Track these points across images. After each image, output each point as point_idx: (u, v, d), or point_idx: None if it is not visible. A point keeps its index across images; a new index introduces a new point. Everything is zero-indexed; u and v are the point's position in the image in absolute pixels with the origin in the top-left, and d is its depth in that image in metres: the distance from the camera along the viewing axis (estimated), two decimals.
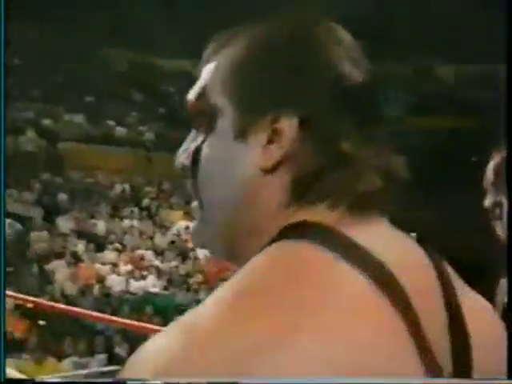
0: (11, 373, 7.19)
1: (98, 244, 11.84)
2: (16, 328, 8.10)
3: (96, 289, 10.38)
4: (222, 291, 0.58)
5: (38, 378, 1.30)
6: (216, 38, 0.71)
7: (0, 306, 0.93)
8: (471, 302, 0.70)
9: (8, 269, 11.81)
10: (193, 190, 0.70)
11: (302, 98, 0.65)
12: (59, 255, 11.36)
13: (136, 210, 13.57)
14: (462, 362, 0.64)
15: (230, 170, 0.66)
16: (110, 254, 11.72)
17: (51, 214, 12.91)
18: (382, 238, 0.64)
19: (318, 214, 0.63)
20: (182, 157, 0.71)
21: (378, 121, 0.68)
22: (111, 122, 17.41)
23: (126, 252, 11.79)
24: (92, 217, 12.95)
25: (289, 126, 0.64)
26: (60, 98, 17.42)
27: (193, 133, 0.71)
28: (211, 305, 0.57)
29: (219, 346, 0.53)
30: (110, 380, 0.67)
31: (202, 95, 0.69)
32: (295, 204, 0.65)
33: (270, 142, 0.65)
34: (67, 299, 9.89)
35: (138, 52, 20.57)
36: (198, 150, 0.69)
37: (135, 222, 12.99)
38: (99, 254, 11.55)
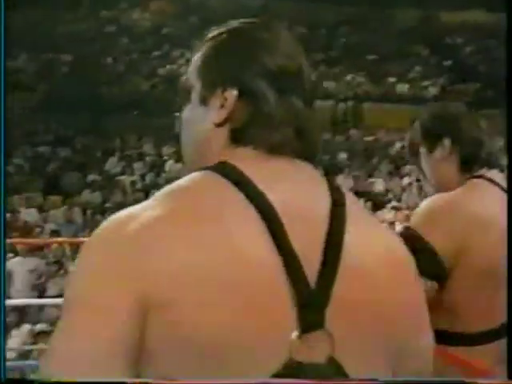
0: None
1: (376, 203, 11.69)
2: None
3: None
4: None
5: (38, 379, 1.18)
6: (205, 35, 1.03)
7: (0, 306, 0.99)
8: (366, 233, 0.91)
9: None
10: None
11: (240, 77, 0.95)
12: None
13: (415, 167, 13.09)
14: (325, 282, 0.84)
15: (196, 124, 0.99)
16: (388, 213, 11.49)
17: (330, 173, 13.06)
18: (288, 177, 0.92)
19: (243, 153, 0.93)
20: (176, 125, 1.05)
21: (297, 93, 0.95)
22: (392, 79, 17.12)
23: (402, 210, 11.45)
24: (370, 175, 12.83)
25: (231, 95, 0.95)
26: (341, 60, 17.56)
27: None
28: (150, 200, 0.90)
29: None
30: (111, 380, 0.81)
31: (187, 78, 1.01)
32: (231, 147, 0.95)
33: (221, 106, 0.95)
34: None
35: (421, 8, 19.82)
36: (180, 116, 1.03)
37: (414, 180, 12.56)
38: (378, 213, 11.39)
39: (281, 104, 0.94)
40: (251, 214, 0.86)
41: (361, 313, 0.85)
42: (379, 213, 11.44)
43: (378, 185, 12.48)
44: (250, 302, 0.81)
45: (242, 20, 1.02)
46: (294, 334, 0.81)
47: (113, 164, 13.53)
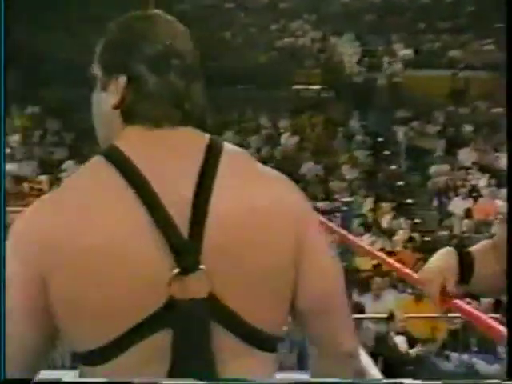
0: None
1: (500, 179, 10.99)
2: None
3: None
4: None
5: (38, 379, 1.23)
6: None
7: (0, 305, 1.00)
8: (239, 179, 1.05)
9: (408, 200, 11.87)
10: None
11: (127, 64, 1.09)
12: (459, 189, 10.89)
13: None
14: (196, 230, 0.99)
15: (100, 107, 1.13)
16: None
17: (453, 146, 12.47)
18: (165, 146, 1.06)
19: (130, 131, 1.08)
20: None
21: (176, 72, 1.09)
22: None
23: None
24: (496, 150, 12.08)
25: (122, 81, 1.09)
26: (469, 27, 16.68)
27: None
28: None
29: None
30: (113, 380, 0.98)
31: (93, 66, 1.14)
32: (123, 126, 1.09)
33: (115, 91, 1.10)
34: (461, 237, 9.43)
35: None
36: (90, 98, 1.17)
37: None
38: (501, 190, 10.71)
39: (160, 84, 1.09)
40: (124, 187, 1.01)
41: (233, 254, 1.00)
42: (503, 190, 10.75)
43: (504, 160, 11.73)
44: (126, 261, 0.98)
45: (130, 13, 1.16)
46: (171, 276, 0.97)
47: (230, 137, 13.57)
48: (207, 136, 1.08)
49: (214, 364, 0.99)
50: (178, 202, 1.00)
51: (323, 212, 4.35)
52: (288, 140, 13.10)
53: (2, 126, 1.14)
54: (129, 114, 1.08)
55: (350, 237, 3.35)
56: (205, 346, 0.99)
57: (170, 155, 1.05)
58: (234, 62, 15.96)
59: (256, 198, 1.04)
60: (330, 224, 4.23)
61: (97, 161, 1.05)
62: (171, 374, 0.98)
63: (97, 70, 1.13)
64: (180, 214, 0.99)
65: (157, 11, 1.16)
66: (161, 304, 0.98)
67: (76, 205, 1.01)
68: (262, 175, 1.08)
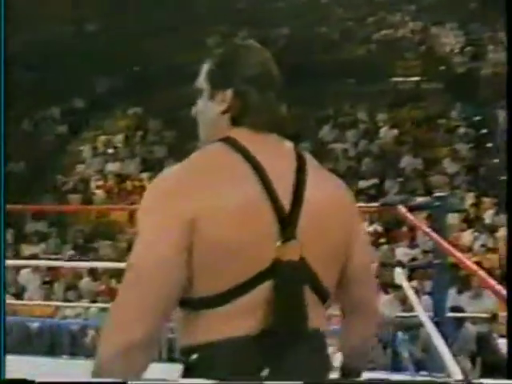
0: None
1: None
2: None
3: None
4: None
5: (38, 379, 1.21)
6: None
7: (0, 304, 1.09)
8: (321, 176, 1.43)
9: None
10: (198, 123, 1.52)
11: (233, 81, 1.43)
12: None
13: None
14: (295, 210, 1.34)
15: (207, 113, 1.47)
16: None
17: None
18: (268, 146, 1.40)
19: (239, 132, 1.40)
20: (194, 108, 1.51)
21: (270, 89, 1.44)
22: None
23: None
24: None
25: (228, 94, 1.43)
26: None
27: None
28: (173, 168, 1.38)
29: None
30: (112, 380, 1.20)
31: (198, 80, 1.50)
32: (230, 128, 1.42)
33: (222, 101, 1.44)
34: None
35: None
36: (196, 105, 1.51)
37: None
38: None
39: (260, 97, 1.43)
40: (247, 168, 1.34)
41: (317, 231, 1.36)
42: None
43: None
44: (249, 221, 1.30)
45: (233, 41, 1.57)
46: (278, 243, 1.31)
47: (326, 132, 13.45)
48: (288, 142, 1.46)
49: (306, 310, 1.32)
50: (282, 188, 1.34)
51: (411, 208, 4.16)
52: (387, 133, 12.83)
53: (1, 126, 1.13)
54: (237, 119, 1.43)
55: (433, 235, 3.21)
56: (299, 296, 1.32)
57: (272, 153, 1.39)
58: (331, 56, 15.81)
59: (332, 191, 1.43)
60: (415, 220, 4.08)
61: (218, 145, 1.39)
62: (272, 321, 1.29)
63: (204, 84, 1.48)
64: (283, 197, 1.34)
65: (251, 41, 1.52)
66: (268, 263, 1.31)
67: (210, 172, 1.33)
68: (330, 174, 1.49)
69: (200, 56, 1.63)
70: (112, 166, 13.06)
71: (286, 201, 1.33)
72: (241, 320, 1.29)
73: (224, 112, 1.43)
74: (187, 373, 1.31)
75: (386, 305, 6.33)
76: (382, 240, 9.04)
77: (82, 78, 15.27)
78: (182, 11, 16.69)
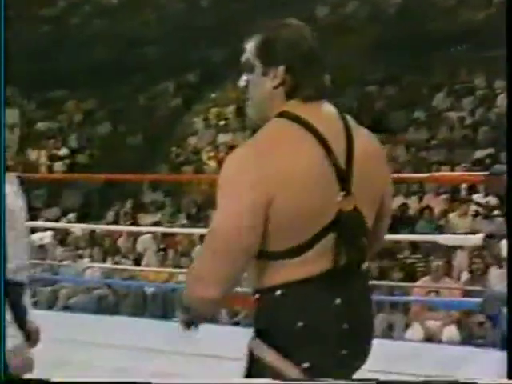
0: None
1: None
2: None
3: None
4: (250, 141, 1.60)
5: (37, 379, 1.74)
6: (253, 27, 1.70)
7: (0, 305, 1.02)
8: (360, 132, 1.65)
9: None
10: (247, 97, 1.70)
11: (285, 58, 1.61)
12: None
13: None
14: (349, 167, 1.59)
15: (260, 87, 1.64)
16: None
17: None
18: (321, 114, 1.62)
19: (293, 104, 1.61)
20: (241, 82, 1.68)
21: (318, 64, 1.65)
22: None
23: None
24: None
25: (281, 69, 1.61)
26: None
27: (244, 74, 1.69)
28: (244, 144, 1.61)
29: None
30: (117, 380, 1.79)
31: (247, 57, 1.67)
32: (285, 101, 1.62)
33: (274, 76, 1.62)
34: None
35: None
36: (248, 81, 1.68)
37: None
38: None
39: (309, 72, 1.62)
40: (310, 138, 1.56)
41: (366, 182, 1.61)
42: None
43: None
44: (316, 185, 1.55)
45: (281, 21, 1.69)
46: (339, 198, 1.58)
47: (440, 100, 13.01)
48: (331, 106, 1.66)
49: (366, 251, 1.63)
50: (337, 149, 1.57)
51: None
52: (504, 101, 12.24)
53: (1, 126, 1.09)
54: (288, 92, 1.62)
55: None
56: (360, 241, 1.60)
57: (323, 119, 1.60)
58: (447, 23, 15.22)
59: (372, 145, 1.68)
60: None
61: (282, 121, 1.59)
62: (339, 262, 1.57)
63: (255, 60, 1.64)
64: (339, 156, 1.57)
65: (292, 19, 1.69)
66: (332, 216, 1.56)
67: (280, 145, 1.54)
68: (367, 131, 1.70)
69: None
70: (223, 137, 13.30)
71: (341, 159, 1.57)
72: (313, 264, 1.57)
73: (276, 87, 1.62)
74: (270, 306, 1.58)
75: (497, 279, 6.12)
76: (496, 212, 8.67)
77: (195, 51, 15.58)
78: None
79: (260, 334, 1.59)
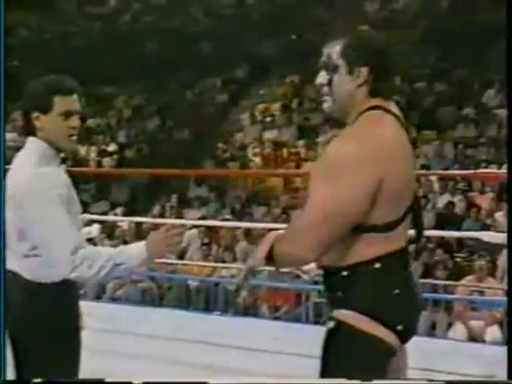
0: None
1: None
2: None
3: None
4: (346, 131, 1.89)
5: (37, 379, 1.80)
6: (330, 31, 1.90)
7: (0, 304, 0.98)
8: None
9: None
10: (327, 93, 1.91)
11: (367, 60, 1.85)
12: None
13: None
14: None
15: (345, 86, 1.86)
16: None
17: None
18: (395, 107, 1.92)
19: (377, 100, 1.86)
20: (320, 79, 1.90)
21: (393, 67, 1.93)
22: None
23: None
24: None
25: (365, 70, 1.85)
26: None
27: (322, 71, 1.90)
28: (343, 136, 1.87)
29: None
30: (117, 380, 1.81)
31: (330, 58, 1.88)
32: (368, 98, 1.86)
33: (358, 76, 1.85)
34: None
35: None
36: (330, 80, 1.88)
37: None
38: None
39: (388, 72, 1.87)
40: (399, 125, 1.86)
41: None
42: None
43: None
44: (409, 171, 1.87)
45: (357, 27, 1.91)
46: (415, 183, 1.97)
47: (491, 96, 12.76)
48: None
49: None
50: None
51: None
52: None
53: (1, 126, 1.06)
54: (371, 91, 1.84)
55: None
56: (422, 222, 1.98)
57: (397, 111, 1.89)
58: (498, 16, 14.87)
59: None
60: None
61: (378, 113, 1.83)
62: (412, 239, 1.96)
63: (339, 60, 1.84)
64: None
65: (366, 27, 1.92)
66: (412, 199, 1.87)
67: (386, 132, 1.80)
68: None
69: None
70: (269, 134, 13.32)
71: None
72: (398, 240, 1.83)
73: (360, 85, 1.85)
74: (368, 278, 1.80)
75: None
76: None
77: (244, 47, 15.63)
78: None
79: (351, 304, 1.80)
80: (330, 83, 1.87)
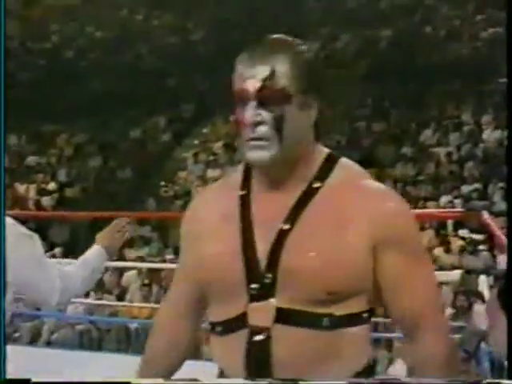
0: None
1: None
2: None
3: None
4: None
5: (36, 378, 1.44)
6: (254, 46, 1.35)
7: (0, 304, 0.95)
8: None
9: None
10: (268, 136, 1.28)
11: (319, 91, 1.33)
12: None
13: None
14: None
15: (298, 122, 1.30)
16: None
17: None
18: None
19: (320, 147, 1.42)
20: (260, 117, 1.28)
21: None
22: None
23: None
24: None
25: (316, 104, 1.32)
26: None
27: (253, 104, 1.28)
28: None
29: None
30: (115, 380, 1.23)
31: (283, 84, 1.28)
32: (314, 142, 1.37)
33: (313, 108, 1.32)
34: None
35: None
36: (281, 116, 1.27)
37: None
38: None
39: (329, 109, 1.54)
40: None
41: None
42: None
43: None
44: None
45: (308, 50, 1.33)
46: None
47: (428, 135, 13.11)
48: None
49: None
50: None
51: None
52: (490, 136, 12.33)
53: (1, 127, 1.08)
54: (318, 132, 1.34)
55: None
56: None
57: None
58: (436, 57, 15.38)
59: None
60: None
61: (351, 163, 1.38)
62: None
63: (292, 88, 1.27)
64: None
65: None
66: None
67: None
68: None
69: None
70: (212, 172, 13.34)
71: None
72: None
73: (311, 124, 1.32)
74: None
75: (479, 316, 6.10)
76: (481, 247, 8.68)
77: (187, 85, 15.71)
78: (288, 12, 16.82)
79: None
80: (277, 120, 1.26)
